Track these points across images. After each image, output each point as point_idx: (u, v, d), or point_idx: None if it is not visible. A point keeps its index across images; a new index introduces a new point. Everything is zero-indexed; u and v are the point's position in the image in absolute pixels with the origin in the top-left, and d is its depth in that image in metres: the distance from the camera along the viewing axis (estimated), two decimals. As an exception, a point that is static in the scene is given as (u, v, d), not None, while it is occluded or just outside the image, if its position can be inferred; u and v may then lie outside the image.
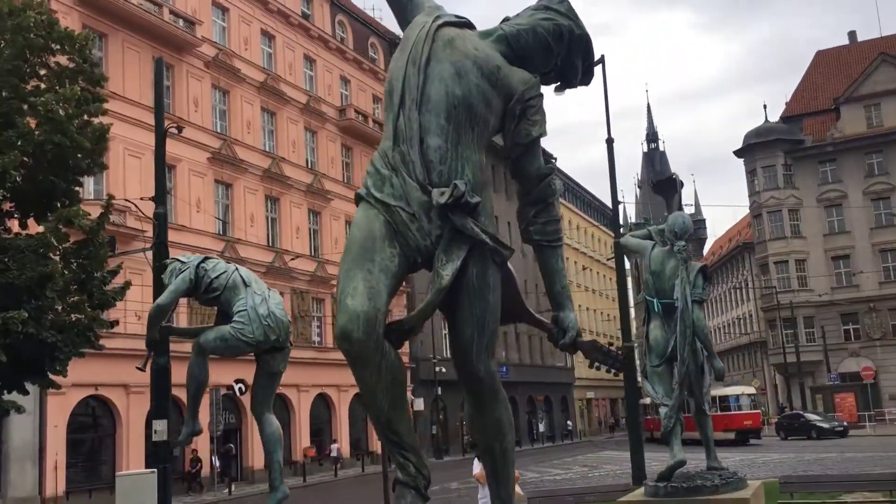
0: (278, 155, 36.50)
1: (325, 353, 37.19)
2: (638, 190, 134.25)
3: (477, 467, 9.82)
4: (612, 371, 4.60)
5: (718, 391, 57.33)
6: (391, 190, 4.24)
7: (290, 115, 37.68)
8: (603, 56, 20.05)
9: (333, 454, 37.27)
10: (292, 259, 35.73)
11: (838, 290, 53.90)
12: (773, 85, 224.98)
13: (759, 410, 43.91)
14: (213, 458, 29.36)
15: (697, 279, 8.24)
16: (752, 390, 45.56)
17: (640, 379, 8.77)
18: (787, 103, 60.73)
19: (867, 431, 40.73)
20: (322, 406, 37.69)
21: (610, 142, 19.80)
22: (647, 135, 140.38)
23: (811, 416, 40.89)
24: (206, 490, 28.41)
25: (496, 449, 4.55)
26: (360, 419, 39.65)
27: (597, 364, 4.52)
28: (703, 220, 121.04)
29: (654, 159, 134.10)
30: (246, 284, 8.05)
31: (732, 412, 41.14)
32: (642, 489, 7.22)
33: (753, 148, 56.75)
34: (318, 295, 37.61)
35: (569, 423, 62.16)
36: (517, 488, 9.80)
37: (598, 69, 19.88)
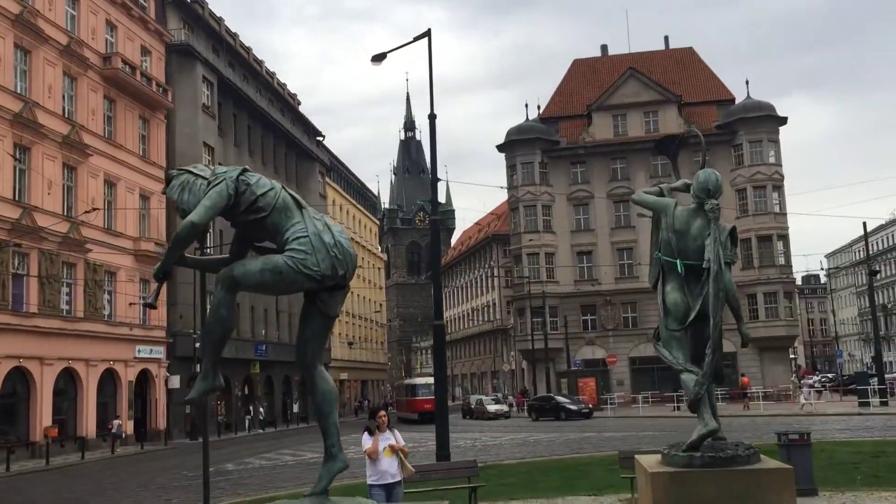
0: (31, 99, 32.34)
1: (73, 324, 33.69)
2: (393, 176, 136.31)
3: (367, 442, 8.94)
4: None
5: (406, 380, 64.10)
6: None
7: (47, 56, 33.50)
8: (430, 29, 19.71)
9: (115, 430, 34.56)
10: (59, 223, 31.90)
11: (581, 283, 58.03)
12: (530, 87, 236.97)
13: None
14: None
15: (727, 241, 7.88)
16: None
17: (655, 344, 8.25)
18: (544, 105, 64.18)
19: (608, 413, 44.20)
20: (67, 382, 34.07)
21: (432, 117, 19.41)
22: (405, 123, 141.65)
23: (560, 399, 43.59)
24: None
25: None
26: (107, 396, 36.49)
27: None
28: (453, 211, 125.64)
29: (411, 147, 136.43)
30: (300, 206, 6.58)
31: (417, 398, 48.65)
32: (658, 457, 6.82)
33: (514, 144, 59.35)
34: (70, 259, 33.80)
35: (322, 403, 61.52)
36: (406, 462, 9.20)
37: (423, 43, 19.47)
